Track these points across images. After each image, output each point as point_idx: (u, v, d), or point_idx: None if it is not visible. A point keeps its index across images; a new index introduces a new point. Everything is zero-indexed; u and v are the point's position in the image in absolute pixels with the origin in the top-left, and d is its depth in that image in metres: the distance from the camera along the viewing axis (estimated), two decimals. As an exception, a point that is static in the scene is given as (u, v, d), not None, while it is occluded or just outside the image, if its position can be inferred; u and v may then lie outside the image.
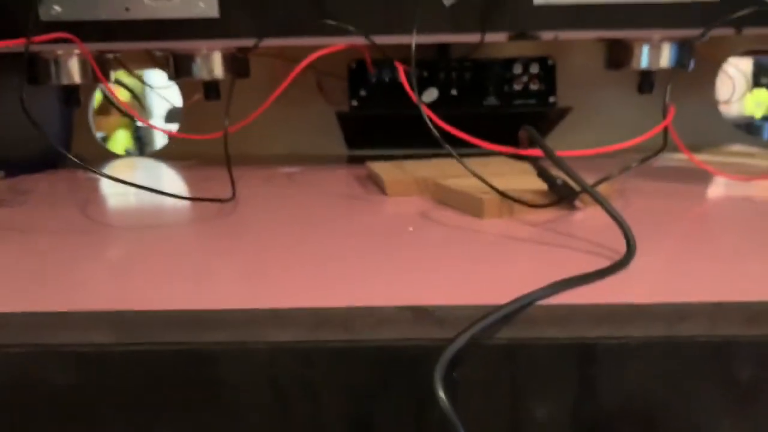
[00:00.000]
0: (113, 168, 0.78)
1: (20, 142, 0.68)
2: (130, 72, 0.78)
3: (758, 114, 2.11)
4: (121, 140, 2.10)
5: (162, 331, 0.27)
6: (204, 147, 0.61)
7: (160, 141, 2.22)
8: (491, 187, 0.44)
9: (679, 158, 0.54)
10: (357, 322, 0.27)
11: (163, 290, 0.30)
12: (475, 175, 0.45)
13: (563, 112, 0.76)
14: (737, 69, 0.84)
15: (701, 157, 0.67)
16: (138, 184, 0.46)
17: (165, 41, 0.56)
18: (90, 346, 0.27)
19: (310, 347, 0.26)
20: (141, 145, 2.11)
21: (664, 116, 0.44)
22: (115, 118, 1.95)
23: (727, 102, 0.85)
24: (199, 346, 0.26)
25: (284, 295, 0.29)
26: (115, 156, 0.88)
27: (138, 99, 1.40)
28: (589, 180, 0.43)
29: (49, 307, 0.28)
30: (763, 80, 2.15)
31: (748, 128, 2.00)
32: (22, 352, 0.27)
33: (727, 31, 0.57)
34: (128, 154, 1.96)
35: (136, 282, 0.32)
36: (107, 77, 0.64)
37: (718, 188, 0.54)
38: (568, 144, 0.81)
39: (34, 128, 0.40)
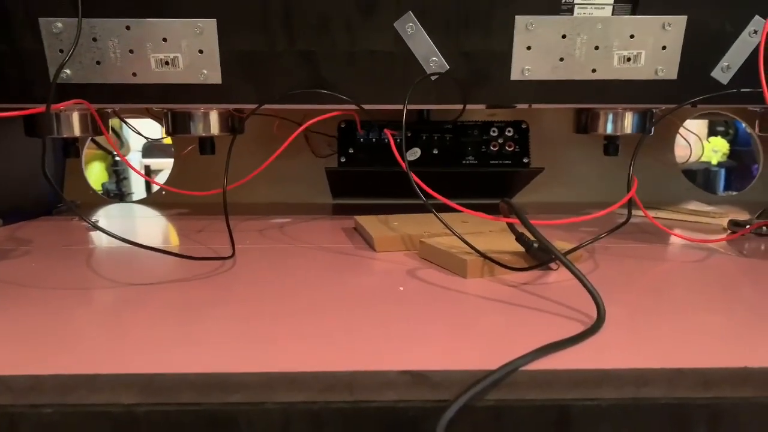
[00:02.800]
0: (107, 215, 0.80)
1: (16, 190, 0.70)
2: (124, 121, 0.81)
3: (714, 160, 2.23)
4: (96, 174, 2.10)
5: (185, 392, 0.29)
6: (195, 195, 0.63)
7: (136, 175, 2.21)
8: (474, 248, 0.48)
9: (642, 215, 0.59)
10: (361, 385, 0.30)
11: (182, 353, 0.33)
12: (460, 237, 0.49)
13: (536, 172, 0.82)
14: (692, 131, 0.92)
15: (661, 214, 0.72)
16: (143, 244, 0.48)
17: (169, 104, 0.59)
18: (118, 407, 0.29)
19: (320, 408, 0.29)
20: (118, 179, 2.11)
21: (628, 188, 0.49)
22: (89, 152, 1.95)
23: (684, 162, 0.91)
24: (219, 406, 0.29)
25: (294, 359, 0.32)
26: (106, 201, 0.90)
27: (115, 133, 1.42)
28: (563, 243, 0.48)
29: (79, 370, 0.30)
30: (719, 129, 2.28)
31: (705, 174, 2.12)
32: (53, 412, 0.29)
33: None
34: (106, 190, 1.96)
35: (155, 344, 0.34)
36: (106, 128, 0.67)
37: (677, 249, 0.59)
38: (540, 198, 0.86)
39: (50, 186, 0.42)
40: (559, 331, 0.34)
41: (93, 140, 0.95)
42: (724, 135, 2.27)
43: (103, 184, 2.04)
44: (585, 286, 0.37)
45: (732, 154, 2.25)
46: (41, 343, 0.34)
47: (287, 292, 0.43)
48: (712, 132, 2.23)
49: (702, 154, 1.02)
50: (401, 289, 0.44)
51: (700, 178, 2.05)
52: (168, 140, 0.94)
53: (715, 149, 2.26)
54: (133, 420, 0.29)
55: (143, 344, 0.34)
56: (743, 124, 0.94)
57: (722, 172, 2.22)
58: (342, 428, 0.29)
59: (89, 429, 0.29)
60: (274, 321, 0.38)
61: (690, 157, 0.91)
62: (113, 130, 1.22)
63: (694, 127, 0.93)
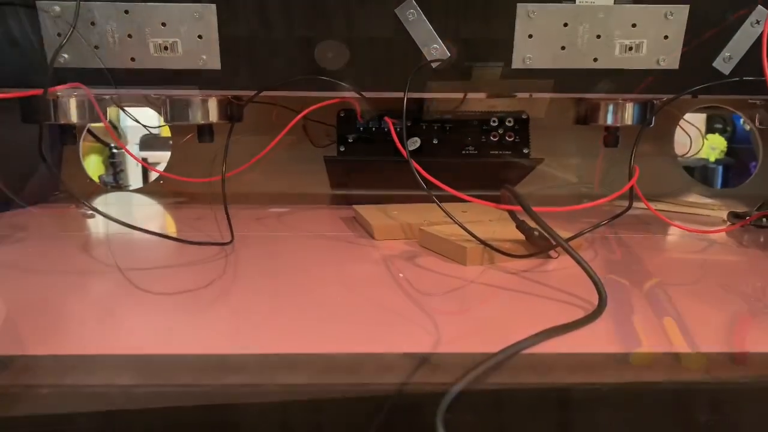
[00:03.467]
0: (105, 203, 0.79)
1: (12, 177, 0.69)
2: (122, 109, 0.80)
3: (712, 157, 2.23)
4: (93, 166, 2.08)
5: (183, 374, 0.29)
6: (193, 184, 0.63)
7: (133, 168, 2.20)
8: (474, 236, 0.47)
9: (642, 206, 0.58)
10: (362, 368, 0.30)
11: (180, 335, 0.33)
12: (460, 225, 0.48)
13: (536, 163, 0.81)
14: (692, 123, 0.91)
15: (661, 206, 0.72)
16: (142, 228, 0.48)
17: (168, 90, 0.59)
18: (115, 388, 0.29)
19: (319, 391, 0.29)
20: (115, 171, 2.10)
21: (630, 177, 0.49)
22: (86, 144, 1.93)
23: (684, 155, 0.91)
24: (217, 388, 0.29)
25: (294, 342, 0.32)
26: (103, 190, 0.89)
27: (113, 124, 1.40)
28: (563, 232, 0.47)
29: (76, 350, 0.30)
30: (717, 126, 2.28)
31: (702, 170, 2.12)
32: (49, 393, 0.29)
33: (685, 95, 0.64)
34: (103, 182, 1.95)
35: (153, 326, 0.34)
36: (105, 116, 0.66)
37: (677, 240, 0.58)
38: (540, 190, 0.86)
39: (49, 172, 0.42)
40: (560, 316, 0.34)
41: (90, 132, 0.94)
42: (721, 132, 2.27)
43: (100, 177, 2.02)
44: (586, 271, 0.37)
45: (729, 152, 2.25)
46: (38, 324, 0.34)
47: (286, 278, 0.43)
48: (709, 129, 2.22)
49: (702, 147, 1.02)
50: (401, 275, 0.44)
51: (697, 175, 2.04)
52: (165, 130, 0.94)
53: (713, 146, 2.25)
54: (130, 401, 0.29)
55: (141, 326, 0.34)
56: (741, 120, 0.94)
57: (719, 169, 2.22)
58: (342, 411, 0.29)
59: (85, 410, 0.29)
60: (274, 305, 0.37)
61: (690, 149, 0.91)
62: (110, 121, 1.21)
63: (695, 121, 0.93)
